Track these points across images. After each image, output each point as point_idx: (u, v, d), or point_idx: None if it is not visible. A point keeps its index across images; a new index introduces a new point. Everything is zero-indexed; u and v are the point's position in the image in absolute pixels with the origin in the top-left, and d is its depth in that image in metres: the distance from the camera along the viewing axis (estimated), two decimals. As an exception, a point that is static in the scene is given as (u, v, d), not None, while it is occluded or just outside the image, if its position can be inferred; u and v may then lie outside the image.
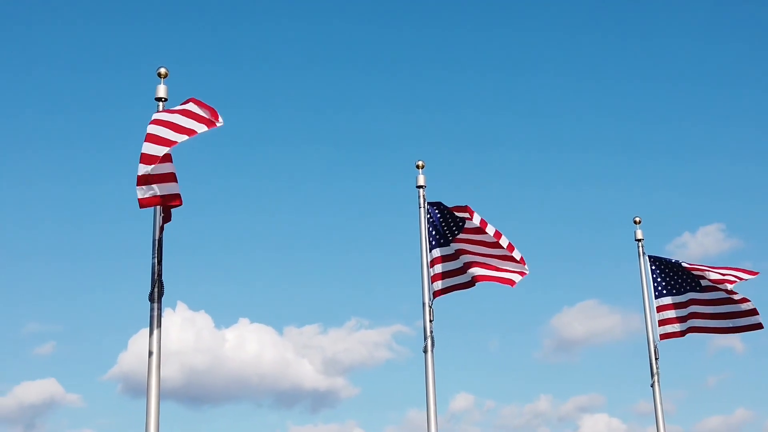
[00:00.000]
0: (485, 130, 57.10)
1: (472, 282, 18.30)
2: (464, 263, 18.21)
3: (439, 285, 18.14)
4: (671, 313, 21.19)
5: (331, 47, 58.37)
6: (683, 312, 21.10)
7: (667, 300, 21.25)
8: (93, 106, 54.18)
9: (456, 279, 18.30)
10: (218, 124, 13.28)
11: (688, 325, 21.07)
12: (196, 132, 13.15)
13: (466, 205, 18.09)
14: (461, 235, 18.17)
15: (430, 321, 17.65)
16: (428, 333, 17.56)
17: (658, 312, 21.31)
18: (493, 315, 51.16)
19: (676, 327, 21.12)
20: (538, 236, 53.62)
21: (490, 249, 18.02)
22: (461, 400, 47.74)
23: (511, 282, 18.09)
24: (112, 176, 50.62)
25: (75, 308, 49.58)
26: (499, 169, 56.08)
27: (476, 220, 17.87)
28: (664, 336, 21.16)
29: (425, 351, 17.49)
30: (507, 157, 56.11)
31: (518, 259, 17.92)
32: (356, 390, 49.40)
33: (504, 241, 17.86)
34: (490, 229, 17.85)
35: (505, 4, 59.27)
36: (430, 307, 17.80)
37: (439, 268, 18.26)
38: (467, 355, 47.70)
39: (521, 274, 18.08)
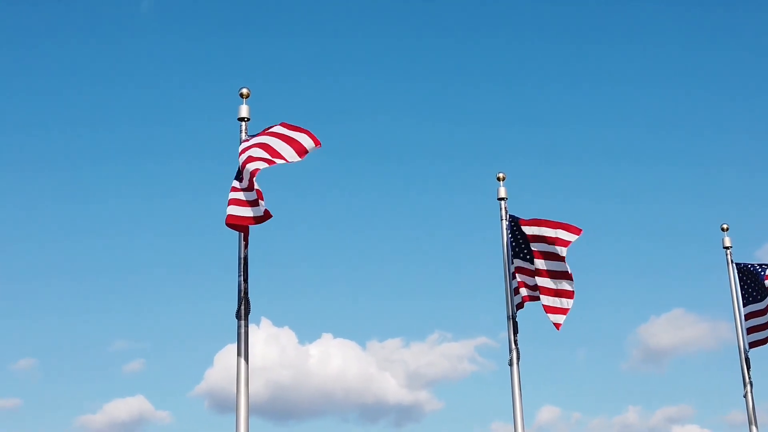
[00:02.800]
0: (567, 141, 56.57)
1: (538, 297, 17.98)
2: (535, 284, 17.94)
3: (520, 297, 18.00)
4: (758, 321, 20.80)
5: (412, 60, 58.56)
6: (765, 319, 20.70)
7: (754, 307, 20.88)
8: (178, 126, 55.21)
9: (531, 292, 18.09)
10: (314, 148, 13.64)
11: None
12: (286, 160, 13.49)
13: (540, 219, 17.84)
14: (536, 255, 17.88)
15: (515, 333, 17.53)
16: (513, 346, 17.44)
17: (746, 320, 20.91)
18: (578, 326, 50.52)
19: (763, 334, 20.72)
20: (624, 246, 52.93)
21: (555, 279, 17.63)
22: (547, 413, 47.23)
23: (557, 325, 17.68)
24: (201, 194, 51.47)
25: (161, 325, 50.50)
26: (582, 180, 55.47)
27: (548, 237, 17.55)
28: (753, 344, 20.76)
29: (510, 364, 17.36)
30: (590, 168, 55.50)
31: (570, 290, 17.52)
32: (440, 404, 49.23)
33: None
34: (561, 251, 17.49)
35: (593, 16, 58.72)
36: (515, 319, 17.68)
37: (520, 280, 18.10)
38: (553, 367, 47.20)
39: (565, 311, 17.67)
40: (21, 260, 50.24)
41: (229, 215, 13.16)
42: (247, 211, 13.21)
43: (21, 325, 47.89)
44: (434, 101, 57.99)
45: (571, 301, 17.36)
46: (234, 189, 13.42)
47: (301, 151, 13.82)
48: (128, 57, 55.82)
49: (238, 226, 13.38)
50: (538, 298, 17.72)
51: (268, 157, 13.48)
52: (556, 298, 17.45)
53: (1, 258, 49.56)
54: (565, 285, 17.37)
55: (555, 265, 17.46)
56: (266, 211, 13.07)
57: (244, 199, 13.26)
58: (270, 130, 14.14)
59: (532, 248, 17.66)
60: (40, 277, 49.96)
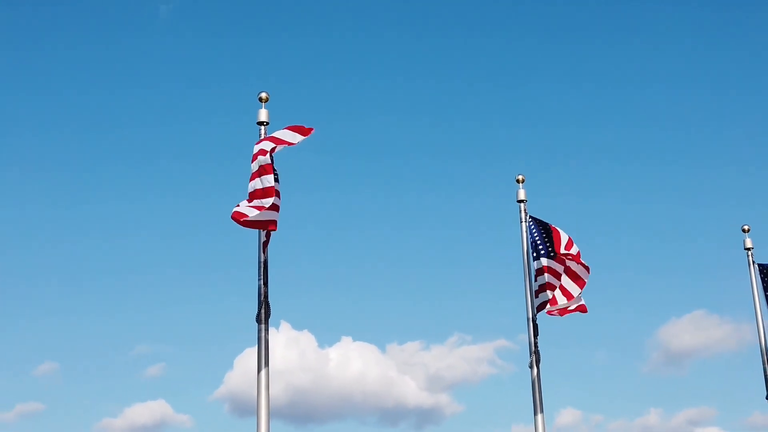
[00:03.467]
0: (586, 142, 56.36)
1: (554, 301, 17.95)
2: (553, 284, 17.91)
3: (541, 299, 17.94)
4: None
5: (433, 61, 58.50)
6: None
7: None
8: (198, 130, 55.38)
9: (544, 295, 18.01)
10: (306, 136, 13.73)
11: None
12: (291, 143, 13.59)
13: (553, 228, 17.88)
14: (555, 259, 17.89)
15: (535, 336, 17.48)
16: (533, 348, 17.40)
17: (770, 321, 20.83)
18: (598, 328, 50.35)
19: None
20: (645, 247, 52.68)
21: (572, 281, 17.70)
22: (568, 416, 47.04)
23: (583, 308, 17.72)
24: (221, 198, 51.60)
25: (182, 329, 50.64)
26: (601, 181, 55.26)
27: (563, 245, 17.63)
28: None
29: (531, 366, 17.32)
30: (609, 169, 55.25)
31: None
32: (461, 406, 49.14)
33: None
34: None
35: (616, 16, 58.54)
36: (535, 322, 17.62)
37: (540, 282, 18.03)
38: (573, 369, 47.02)
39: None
40: (43, 264, 50.58)
41: (238, 213, 13.22)
42: (266, 215, 13.23)
43: (43, 330, 48.21)
44: (454, 102, 57.95)
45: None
46: (252, 196, 13.47)
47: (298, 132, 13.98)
48: (147, 61, 56.10)
49: (241, 222, 13.38)
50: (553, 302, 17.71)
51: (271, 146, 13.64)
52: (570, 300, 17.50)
53: (23, 262, 49.89)
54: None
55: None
56: (274, 221, 13.17)
57: (262, 205, 13.28)
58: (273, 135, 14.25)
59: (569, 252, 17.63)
60: (62, 281, 50.28)
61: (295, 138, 13.92)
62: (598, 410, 48.28)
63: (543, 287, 17.77)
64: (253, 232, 13.93)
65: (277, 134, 14.10)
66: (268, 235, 13.92)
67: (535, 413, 17.09)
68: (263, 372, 13.35)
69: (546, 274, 17.78)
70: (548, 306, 17.51)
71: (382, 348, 49.87)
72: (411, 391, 48.34)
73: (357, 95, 57.55)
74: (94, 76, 55.06)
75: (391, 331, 53.26)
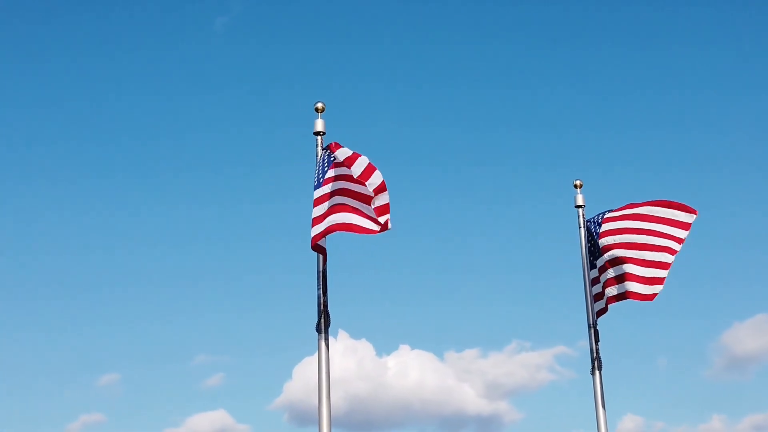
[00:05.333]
0: (647, 146, 55.70)
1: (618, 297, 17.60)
2: (607, 278, 17.63)
3: (601, 304, 17.76)
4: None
5: (485, 66, 58.35)
6: None
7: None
8: (255, 141, 55.82)
9: (608, 292, 17.75)
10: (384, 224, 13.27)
11: None
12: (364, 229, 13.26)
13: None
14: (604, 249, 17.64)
15: (596, 342, 17.31)
16: (595, 354, 17.23)
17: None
18: (659, 333, 49.69)
19: None
20: (705, 251, 51.87)
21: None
22: (629, 422, 46.44)
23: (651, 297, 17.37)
24: (280, 207, 51.91)
25: (241, 339, 51.00)
26: (659, 185, 54.59)
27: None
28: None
29: (592, 373, 17.16)
30: (668, 172, 54.53)
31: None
32: (520, 414, 48.82)
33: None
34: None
35: (675, 20, 57.91)
36: (596, 328, 17.45)
37: (598, 287, 17.88)
38: (634, 375, 46.42)
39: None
40: (103, 274, 51.28)
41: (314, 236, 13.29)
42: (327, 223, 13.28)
43: (104, 342, 48.85)
44: (512, 107, 57.67)
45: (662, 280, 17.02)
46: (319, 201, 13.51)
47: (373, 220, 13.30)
48: (203, 74, 56.70)
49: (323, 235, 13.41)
50: (624, 296, 17.35)
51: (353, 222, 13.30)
52: (647, 286, 17.07)
53: (84, 273, 50.68)
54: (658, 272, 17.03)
55: (651, 255, 17.11)
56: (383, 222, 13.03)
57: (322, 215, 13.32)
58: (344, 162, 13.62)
59: (624, 240, 17.33)
60: (123, 292, 50.93)
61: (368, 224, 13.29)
62: (660, 417, 47.62)
63: (601, 293, 17.62)
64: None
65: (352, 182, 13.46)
66: (322, 249, 13.91)
67: (597, 420, 16.94)
68: (324, 381, 13.38)
69: (598, 284, 17.65)
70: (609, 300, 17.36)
71: (440, 356, 49.79)
72: (470, 398, 48.20)
73: (413, 103, 57.63)
74: (150, 88, 55.81)
75: (449, 338, 53.08)
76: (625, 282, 17.10)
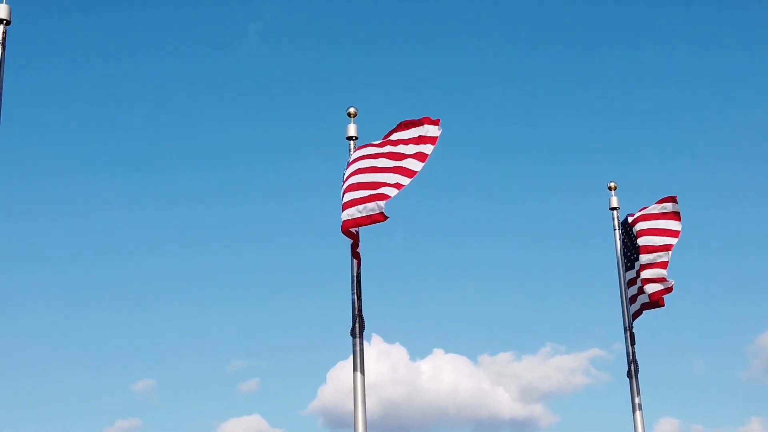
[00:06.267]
0: (683, 144, 55.26)
1: (651, 304, 17.50)
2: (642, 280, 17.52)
3: (636, 307, 17.67)
4: None
5: (518, 65, 58.20)
6: None
7: None
8: (288, 147, 56.06)
9: (642, 298, 17.68)
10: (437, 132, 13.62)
11: None
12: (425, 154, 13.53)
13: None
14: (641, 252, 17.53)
15: (632, 345, 17.20)
16: (631, 357, 17.12)
17: None
18: (696, 336, 49.25)
19: None
20: (741, 252, 51.38)
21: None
22: (666, 425, 46.04)
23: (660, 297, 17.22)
24: (311, 212, 52.08)
25: (275, 344, 51.17)
26: (694, 185, 54.12)
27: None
28: None
29: (629, 376, 17.06)
30: (705, 172, 54.03)
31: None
32: (556, 417, 48.56)
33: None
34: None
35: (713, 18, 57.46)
36: (632, 330, 17.34)
37: (634, 290, 17.78)
38: (670, 377, 46.04)
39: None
40: (140, 280, 51.68)
41: (344, 221, 13.27)
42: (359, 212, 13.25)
43: (140, 347, 49.20)
44: (546, 108, 57.44)
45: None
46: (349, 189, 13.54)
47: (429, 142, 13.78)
48: (236, 79, 57.03)
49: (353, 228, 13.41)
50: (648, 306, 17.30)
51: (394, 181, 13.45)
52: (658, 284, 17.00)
53: (121, 279, 51.08)
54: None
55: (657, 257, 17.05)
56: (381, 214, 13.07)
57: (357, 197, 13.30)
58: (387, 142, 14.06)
59: (640, 243, 17.23)
60: (159, 299, 51.28)
61: (426, 148, 13.75)
62: (698, 420, 47.23)
63: (637, 295, 17.53)
64: (347, 246, 13.97)
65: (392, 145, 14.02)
66: (357, 253, 13.92)
67: (634, 423, 16.84)
68: (359, 386, 13.40)
69: (639, 279, 17.51)
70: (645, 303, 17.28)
71: (473, 359, 49.68)
72: (504, 402, 48.03)
73: (445, 105, 57.54)
74: (185, 92, 56.21)
75: (483, 342, 52.93)
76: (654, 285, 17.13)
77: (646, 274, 16.86)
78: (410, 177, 13.40)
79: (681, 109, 56.40)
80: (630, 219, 17.70)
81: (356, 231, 13.47)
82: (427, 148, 13.64)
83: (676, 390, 46.38)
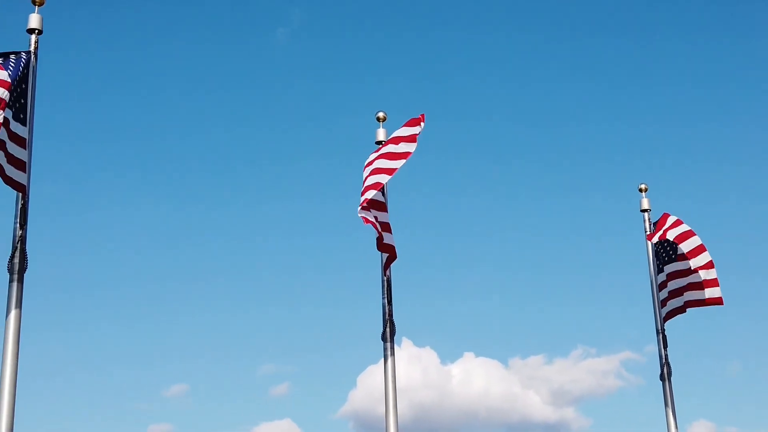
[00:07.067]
0: (711, 145, 54.81)
1: (683, 308, 17.47)
2: (677, 287, 17.47)
3: (666, 309, 17.56)
4: None
5: (547, 63, 58.06)
6: None
7: None
8: (316, 150, 56.22)
9: (674, 302, 17.58)
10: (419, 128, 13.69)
11: None
12: (408, 153, 13.59)
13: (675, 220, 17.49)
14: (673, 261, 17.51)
15: (665, 347, 17.10)
16: (664, 360, 17.01)
17: None
18: (731, 336, 48.80)
19: None
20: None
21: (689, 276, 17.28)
22: (700, 428, 45.63)
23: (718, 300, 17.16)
24: (342, 219, 52.15)
25: (306, 348, 51.29)
26: (725, 184, 53.62)
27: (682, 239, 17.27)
28: None
29: (662, 379, 16.95)
30: (734, 171, 53.55)
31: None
32: (588, 421, 48.29)
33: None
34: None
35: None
36: (664, 333, 17.24)
37: (663, 293, 17.68)
38: (704, 379, 45.65)
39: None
40: (171, 287, 51.99)
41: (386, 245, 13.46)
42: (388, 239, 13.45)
43: (172, 352, 49.50)
44: (579, 108, 57.17)
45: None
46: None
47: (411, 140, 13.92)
48: (266, 84, 57.21)
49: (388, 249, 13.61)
50: (696, 303, 17.22)
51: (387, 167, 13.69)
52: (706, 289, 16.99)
53: (152, 285, 51.42)
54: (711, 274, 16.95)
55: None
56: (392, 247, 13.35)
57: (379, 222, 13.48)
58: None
59: (682, 248, 17.17)
60: (190, 305, 51.57)
61: (409, 147, 13.85)
62: (733, 422, 46.72)
63: (668, 297, 17.44)
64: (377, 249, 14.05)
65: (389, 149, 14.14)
66: (390, 257, 14.01)
67: (668, 426, 16.74)
68: (390, 390, 13.43)
69: (670, 283, 17.44)
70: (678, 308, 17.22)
71: (504, 363, 49.53)
72: (536, 405, 47.82)
73: (474, 107, 57.41)
74: (214, 95, 56.50)
75: (513, 345, 52.74)
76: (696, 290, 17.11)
77: (704, 275, 16.91)
78: (389, 175, 13.54)
79: (713, 107, 55.98)
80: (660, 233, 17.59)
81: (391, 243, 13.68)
82: (411, 147, 13.71)
83: (710, 392, 46.01)
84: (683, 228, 17.15)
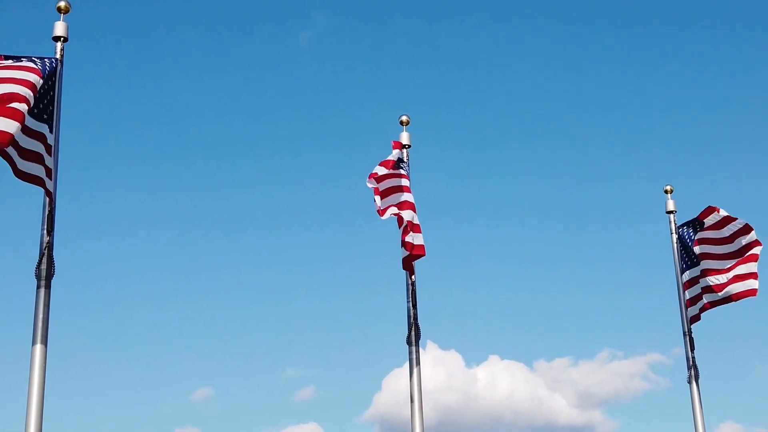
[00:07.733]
0: (731, 142, 54.43)
1: (726, 299, 17.30)
2: (708, 284, 17.34)
3: (695, 310, 17.44)
4: None
5: (575, 59, 57.88)
6: None
7: None
8: (340, 155, 56.31)
9: (707, 298, 17.43)
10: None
11: None
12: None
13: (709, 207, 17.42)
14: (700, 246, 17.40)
15: (692, 350, 17.00)
16: (691, 362, 16.91)
17: None
18: (757, 338, 48.42)
19: None
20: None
21: (726, 260, 17.13)
22: (728, 430, 45.35)
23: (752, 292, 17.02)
24: (367, 222, 52.21)
25: (331, 351, 51.36)
26: (748, 182, 53.23)
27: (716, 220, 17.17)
28: None
29: (689, 381, 16.86)
30: (760, 176, 53.09)
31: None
32: (615, 423, 48.05)
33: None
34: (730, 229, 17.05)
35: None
36: (691, 335, 17.14)
37: (689, 293, 17.56)
38: (731, 381, 45.32)
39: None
40: (198, 291, 52.23)
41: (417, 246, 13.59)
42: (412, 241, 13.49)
43: (198, 357, 49.71)
44: (605, 109, 57.01)
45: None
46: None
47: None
48: (288, 88, 57.41)
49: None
50: (719, 302, 17.12)
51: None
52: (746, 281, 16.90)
53: (178, 290, 51.65)
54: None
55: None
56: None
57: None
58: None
59: (714, 236, 17.09)
60: (216, 309, 51.77)
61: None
62: (761, 424, 46.37)
63: (695, 298, 17.34)
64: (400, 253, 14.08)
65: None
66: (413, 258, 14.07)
67: (696, 429, 16.63)
68: (416, 393, 13.41)
69: (689, 289, 17.36)
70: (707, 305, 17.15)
71: (529, 365, 49.37)
72: (561, 408, 47.63)
73: (497, 114, 57.35)
74: (237, 99, 56.71)
75: (539, 348, 52.58)
76: (719, 289, 16.99)
77: (740, 269, 16.83)
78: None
79: (735, 104, 55.61)
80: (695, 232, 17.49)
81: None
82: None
83: (738, 393, 45.66)
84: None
